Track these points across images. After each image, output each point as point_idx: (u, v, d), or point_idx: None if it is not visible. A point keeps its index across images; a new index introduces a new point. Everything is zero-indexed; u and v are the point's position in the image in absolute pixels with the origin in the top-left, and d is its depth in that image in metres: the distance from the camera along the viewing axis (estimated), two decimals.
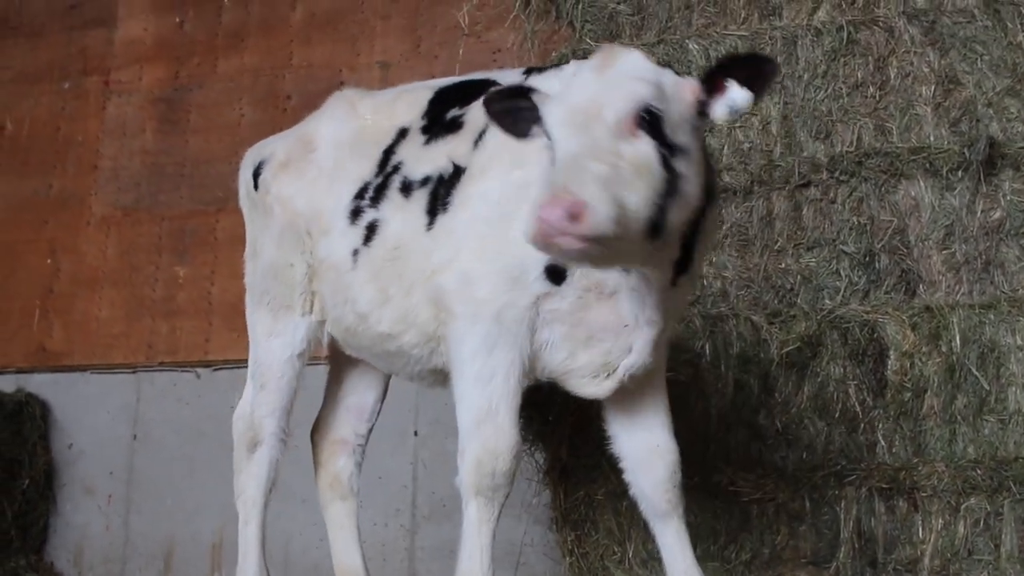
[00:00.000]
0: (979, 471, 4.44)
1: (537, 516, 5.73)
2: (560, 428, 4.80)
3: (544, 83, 3.43)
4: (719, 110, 3.08)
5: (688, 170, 3.01)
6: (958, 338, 4.63)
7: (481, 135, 3.67)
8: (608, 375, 3.56)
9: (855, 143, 5.26)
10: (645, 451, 3.76)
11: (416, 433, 6.48)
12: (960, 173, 5.00)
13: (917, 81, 5.26)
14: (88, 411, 7.21)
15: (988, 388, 4.60)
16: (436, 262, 3.64)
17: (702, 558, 4.58)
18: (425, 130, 3.99)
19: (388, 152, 4.04)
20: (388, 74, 7.10)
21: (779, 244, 5.18)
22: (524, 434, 4.77)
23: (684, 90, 3.09)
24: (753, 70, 3.07)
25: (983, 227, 4.97)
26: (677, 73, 3.16)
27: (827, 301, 5.03)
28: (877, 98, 5.29)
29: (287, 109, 7.28)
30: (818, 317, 4.77)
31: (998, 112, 5.13)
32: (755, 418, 4.73)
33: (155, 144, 7.61)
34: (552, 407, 4.77)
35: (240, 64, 7.56)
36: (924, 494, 4.49)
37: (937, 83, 5.23)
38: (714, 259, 5.22)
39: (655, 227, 2.92)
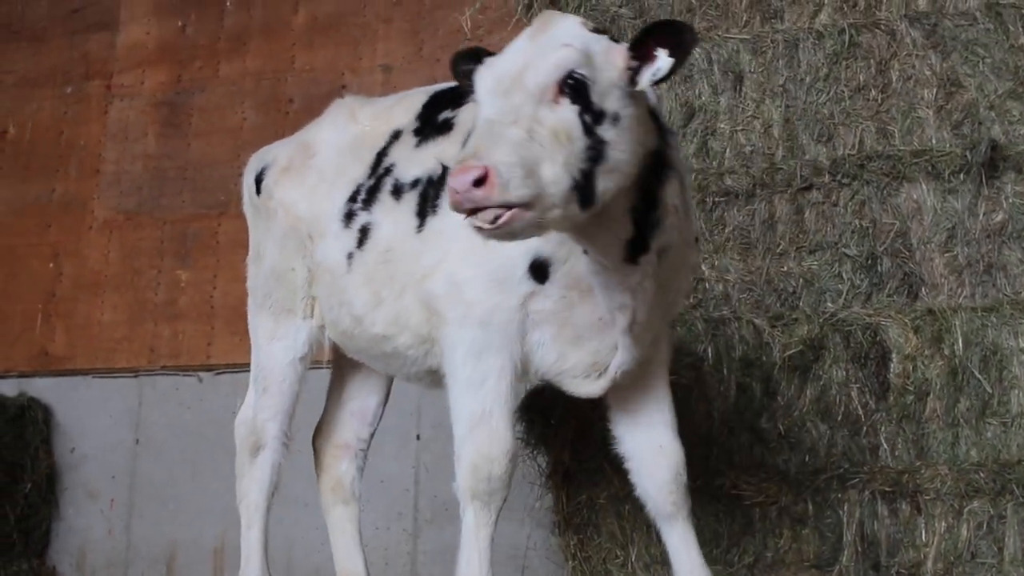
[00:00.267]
0: (982, 474, 4.43)
1: (540, 520, 5.72)
2: (562, 432, 4.79)
3: None
4: (645, 78, 3.03)
5: (618, 137, 2.97)
6: (960, 341, 4.63)
7: (470, 135, 3.68)
8: (600, 374, 3.55)
9: (857, 146, 5.26)
10: (649, 452, 3.74)
11: (418, 437, 6.47)
12: (962, 176, 5.00)
13: (919, 84, 5.26)
14: (90, 415, 7.21)
15: (991, 391, 4.59)
16: (426, 265, 3.65)
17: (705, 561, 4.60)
18: (417, 132, 4.01)
19: (380, 155, 4.06)
20: (390, 77, 7.10)
21: (781, 247, 5.18)
22: (526, 438, 4.80)
23: (615, 57, 3.04)
24: (677, 38, 3.02)
25: (985, 230, 4.96)
26: (614, 40, 3.11)
27: (829, 304, 5.03)
28: (879, 101, 5.29)
29: (289, 113, 7.29)
30: (820, 320, 4.77)
31: (1000, 115, 5.13)
32: (757, 421, 4.72)
33: (157, 148, 7.61)
34: (554, 411, 4.77)
35: (242, 68, 7.57)
36: (927, 497, 4.48)
37: (939, 86, 5.23)
38: (716, 262, 5.22)
39: (583, 195, 2.89)
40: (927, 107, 5.22)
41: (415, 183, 3.84)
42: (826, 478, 4.57)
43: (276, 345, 4.36)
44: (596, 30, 3.11)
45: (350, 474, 4.58)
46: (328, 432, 4.62)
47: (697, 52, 5.51)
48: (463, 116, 3.80)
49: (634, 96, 3.06)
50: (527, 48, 3.02)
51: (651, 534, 4.66)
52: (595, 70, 2.98)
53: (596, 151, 2.92)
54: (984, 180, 4.97)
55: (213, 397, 6.95)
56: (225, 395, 6.81)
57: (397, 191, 3.90)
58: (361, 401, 4.63)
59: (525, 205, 2.77)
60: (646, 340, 3.52)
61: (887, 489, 4.52)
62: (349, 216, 4.02)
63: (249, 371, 4.49)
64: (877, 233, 5.08)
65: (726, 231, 5.24)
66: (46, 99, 7.98)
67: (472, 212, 2.76)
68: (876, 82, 5.32)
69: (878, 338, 4.71)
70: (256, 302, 4.47)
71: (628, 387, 3.66)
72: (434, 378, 3.93)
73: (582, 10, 5.75)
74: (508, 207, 2.74)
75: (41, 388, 7.31)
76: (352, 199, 4.04)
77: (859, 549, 4.51)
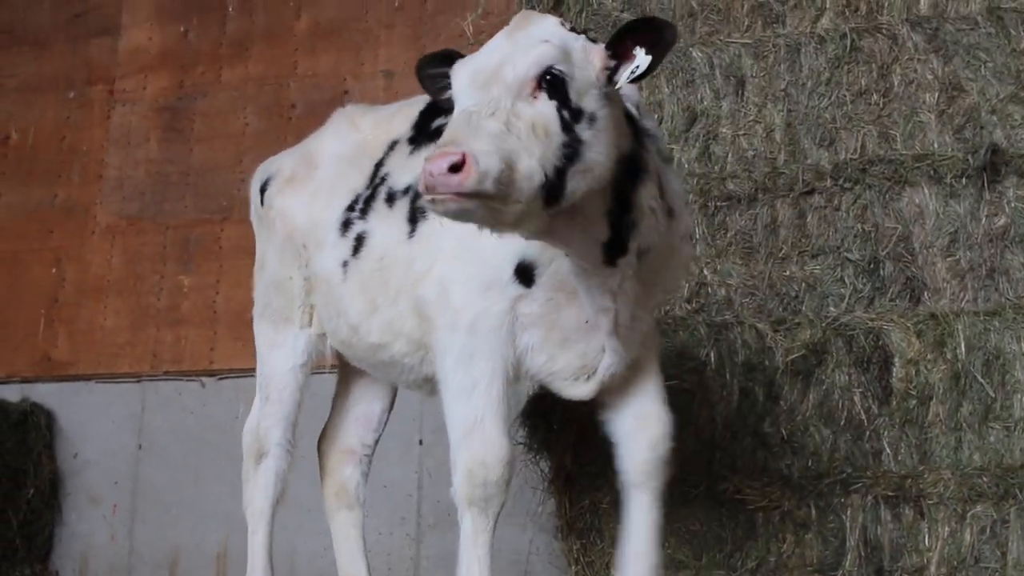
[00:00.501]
0: (985, 478, 4.43)
1: (542, 525, 5.72)
2: (564, 436, 4.79)
3: None
4: (623, 76, 3.02)
5: (594, 137, 2.95)
6: (963, 345, 4.63)
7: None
8: (589, 376, 3.53)
9: (859, 150, 5.26)
10: (632, 420, 3.67)
11: (421, 442, 6.47)
12: (964, 180, 5.01)
13: (921, 88, 5.26)
14: (93, 420, 7.21)
15: (993, 395, 4.59)
16: (418, 271, 3.65)
17: (707, 566, 4.60)
18: (411, 140, 4.02)
19: (378, 165, 4.07)
20: (392, 83, 7.11)
21: (783, 252, 5.18)
22: (529, 442, 4.80)
23: (593, 56, 3.03)
24: (656, 36, 3.00)
25: (987, 234, 4.97)
26: (593, 40, 3.10)
27: (832, 308, 5.03)
28: (881, 105, 5.30)
29: (292, 118, 7.29)
30: (823, 324, 4.77)
31: (1002, 119, 5.13)
32: (760, 426, 4.72)
33: (160, 153, 7.62)
34: (556, 415, 4.77)
35: (244, 73, 7.57)
36: (930, 502, 4.48)
37: (941, 90, 5.24)
38: (718, 267, 5.22)
39: (552, 192, 2.86)
40: (929, 111, 5.22)
41: (407, 190, 3.85)
42: (829, 483, 4.57)
43: (276, 353, 4.39)
44: (574, 30, 3.11)
45: (354, 479, 4.59)
46: (333, 437, 4.63)
47: (699, 56, 5.52)
48: None
49: (611, 97, 3.04)
50: (504, 44, 3.01)
51: None
52: (573, 67, 2.97)
53: (572, 149, 2.90)
54: (986, 184, 4.97)
55: (216, 402, 6.95)
56: (228, 400, 6.81)
57: (390, 199, 3.91)
58: (366, 406, 4.64)
59: (491, 195, 2.74)
60: (634, 342, 3.51)
61: (890, 493, 4.52)
62: (346, 225, 4.03)
63: (252, 376, 4.52)
64: (879, 237, 5.08)
65: (728, 235, 5.25)
66: (48, 104, 7.98)
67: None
68: (878, 86, 5.32)
69: (881, 342, 4.71)
70: (258, 311, 4.51)
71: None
72: (432, 386, 3.92)
73: (583, 14, 5.76)
74: (478, 196, 2.72)
75: (44, 393, 7.30)
76: (350, 208, 4.05)
77: (862, 554, 4.51)
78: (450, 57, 3.14)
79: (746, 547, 4.62)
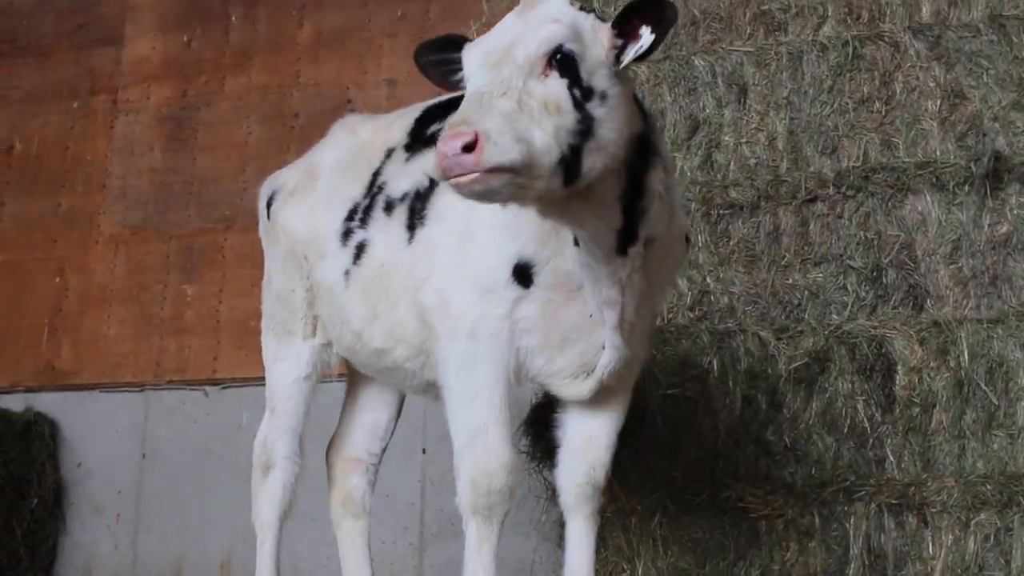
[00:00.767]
0: (989, 486, 4.42)
1: (546, 534, 5.72)
2: None
3: None
4: (629, 55, 3.03)
5: (606, 115, 2.96)
6: (966, 353, 4.62)
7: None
8: (587, 375, 3.53)
9: (861, 158, 5.26)
10: (579, 437, 3.70)
11: (424, 451, 6.48)
12: (967, 187, 5.01)
13: (923, 96, 5.27)
14: (97, 430, 7.21)
15: (997, 403, 4.58)
16: (418, 277, 3.66)
17: (710, 574, 4.59)
18: (407, 148, 4.03)
19: (376, 174, 4.08)
20: (395, 92, 7.11)
21: (786, 259, 5.18)
22: (532, 451, 4.80)
23: (602, 35, 3.04)
24: (659, 15, 3.01)
25: (990, 241, 4.96)
26: (602, 19, 3.11)
27: (835, 316, 5.03)
28: (883, 113, 5.30)
29: (295, 127, 7.31)
30: (826, 332, 4.76)
31: (1004, 126, 5.14)
32: (763, 434, 4.72)
33: (163, 162, 7.63)
34: None
35: (247, 82, 7.59)
36: (934, 510, 4.47)
37: (943, 97, 5.24)
38: (721, 275, 5.22)
39: (569, 170, 2.88)
40: (931, 119, 5.22)
41: (404, 197, 3.86)
42: (832, 491, 4.56)
43: (280, 366, 4.41)
44: (583, 9, 3.12)
45: (360, 488, 4.59)
46: (340, 445, 4.64)
47: (701, 65, 5.52)
48: None
49: (620, 76, 3.05)
50: (515, 24, 3.02)
51: (657, 548, 4.66)
52: (583, 46, 2.98)
53: (585, 126, 2.91)
54: (988, 191, 4.97)
55: (219, 411, 6.96)
56: (231, 409, 6.82)
57: (389, 206, 3.92)
58: (373, 414, 4.65)
59: (513, 170, 2.76)
60: (635, 339, 3.50)
61: (893, 502, 4.51)
62: (347, 234, 4.04)
63: (255, 385, 4.54)
64: (882, 245, 5.08)
65: (731, 243, 5.25)
66: (52, 114, 8.00)
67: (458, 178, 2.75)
68: (880, 94, 5.33)
69: (884, 350, 4.70)
70: (264, 324, 4.54)
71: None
72: (436, 391, 3.92)
73: None
74: (499, 171, 2.73)
75: (47, 403, 7.31)
76: (349, 218, 4.06)
77: (866, 562, 4.50)
78: (452, 42, 3.17)
79: (749, 555, 4.62)
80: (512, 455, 3.48)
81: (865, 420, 4.67)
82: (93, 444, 7.19)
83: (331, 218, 4.14)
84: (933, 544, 4.46)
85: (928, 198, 5.05)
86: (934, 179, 5.04)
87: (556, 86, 2.91)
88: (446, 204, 3.62)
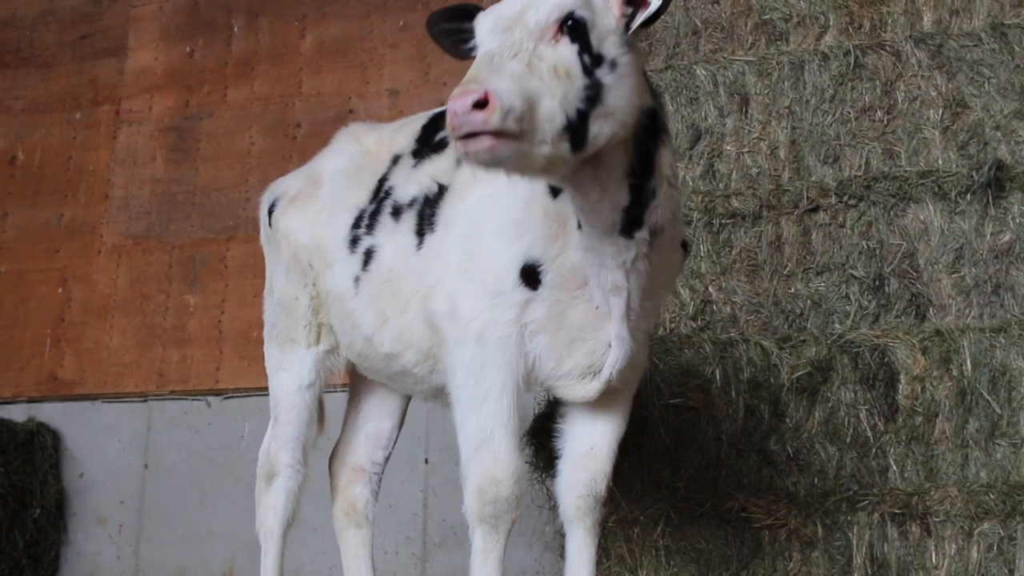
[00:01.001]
0: (992, 496, 4.42)
1: (549, 543, 5.72)
2: None
3: None
4: (638, 22, 3.06)
5: (615, 83, 2.99)
6: (969, 362, 4.62)
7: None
8: (594, 375, 3.52)
9: (863, 167, 5.27)
10: (580, 446, 3.71)
11: (427, 460, 6.47)
12: (969, 196, 5.01)
13: (925, 105, 5.27)
14: (99, 440, 7.22)
15: (1000, 412, 4.58)
16: (428, 283, 3.67)
17: None
18: (415, 154, 4.04)
19: (382, 180, 4.10)
20: (397, 101, 7.13)
21: (788, 269, 5.18)
22: (535, 461, 4.79)
23: (613, 3, 3.08)
24: None
25: (992, 250, 4.96)
26: None
27: (837, 325, 5.03)
28: (885, 122, 5.30)
29: (297, 137, 7.32)
30: (828, 342, 4.76)
31: (1006, 135, 5.14)
32: (766, 443, 4.72)
33: (165, 173, 7.64)
34: None
35: (250, 92, 7.60)
36: (937, 519, 4.46)
37: (945, 106, 5.24)
38: (723, 284, 5.22)
39: (575, 135, 2.90)
40: (933, 128, 5.23)
41: (412, 202, 3.87)
42: (835, 500, 4.56)
43: (283, 375, 4.40)
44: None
45: (364, 497, 4.59)
46: (344, 455, 4.64)
47: (703, 74, 5.53)
48: None
49: (631, 45, 3.08)
50: None
51: (660, 558, 4.65)
52: (594, 13, 3.02)
53: (594, 92, 2.94)
54: (991, 200, 4.97)
55: (221, 421, 6.96)
56: (233, 419, 6.82)
57: (396, 212, 3.93)
58: (376, 424, 4.64)
59: (518, 136, 2.78)
60: (639, 335, 3.50)
61: (897, 511, 4.51)
62: (354, 242, 4.05)
63: (257, 395, 4.53)
64: (884, 254, 5.08)
65: (733, 253, 5.25)
66: (55, 124, 8.02)
67: (467, 138, 2.77)
68: (882, 103, 5.33)
69: (886, 359, 4.70)
70: (266, 333, 4.53)
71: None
72: (445, 396, 3.92)
73: None
74: (502, 135, 2.75)
75: (50, 413, 7.32)
76: (356, 225, 4.07)
77: (869, 572, 4.50)
78: (465, 11, 3.20)
79: (752, 565, 4.61)
80: (520, 463, 3.47)
81: (868, 429, 4.67)
82: (95, 454, 7.20)
83: (337, 226, 4.14)
84: (936, 554, 4.46)
85: (930, 207, 5.05)
86: (936, 188, 5.04)
87: (566, 51, 2.94)
88: (456, 210, 3.64)
